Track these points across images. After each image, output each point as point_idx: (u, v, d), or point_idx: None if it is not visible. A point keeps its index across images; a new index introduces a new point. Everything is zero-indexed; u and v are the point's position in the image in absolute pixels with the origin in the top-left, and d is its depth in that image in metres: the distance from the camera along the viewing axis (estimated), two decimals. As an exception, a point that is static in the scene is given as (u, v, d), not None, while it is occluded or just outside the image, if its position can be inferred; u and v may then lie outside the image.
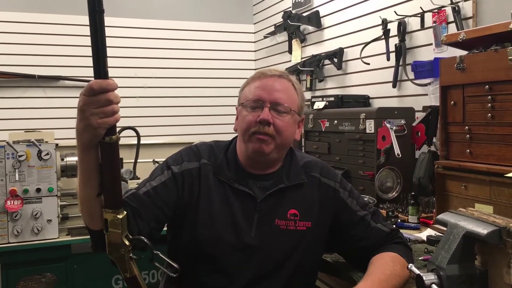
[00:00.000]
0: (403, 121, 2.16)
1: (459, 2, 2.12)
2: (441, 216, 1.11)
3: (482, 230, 0.97)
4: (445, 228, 1.10)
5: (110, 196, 1.05)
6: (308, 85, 3.37)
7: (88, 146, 1.01)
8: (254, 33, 4.32)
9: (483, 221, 1.00)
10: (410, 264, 1.08)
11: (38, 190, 2.50)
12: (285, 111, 1.33)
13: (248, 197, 1.33)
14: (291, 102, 1.35)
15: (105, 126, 0.98)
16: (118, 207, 1.07)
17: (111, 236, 1.08)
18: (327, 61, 3.18)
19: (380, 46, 2.64)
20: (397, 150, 2.05)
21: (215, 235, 1.30)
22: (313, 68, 3.29)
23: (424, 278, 1.01)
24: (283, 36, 3.77)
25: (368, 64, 2.74)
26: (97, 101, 0.96)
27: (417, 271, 1.03)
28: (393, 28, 2.54)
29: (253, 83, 1.36)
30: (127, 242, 1.08)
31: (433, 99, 2.16)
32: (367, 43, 2.72)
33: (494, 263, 1.01)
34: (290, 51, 3.63)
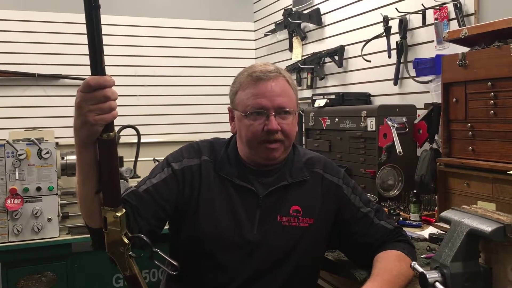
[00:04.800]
0: (404, 119, 2.15)
1: (461, -2, 2.11)
2: (445, 214, 1.10)
3: (487, 227, 0.96)
4: (448, 226, 1.09)
5: (108, 193, 1.04)
6: (309, 83, 3.36)
7: (86, 143, 1.00)
8: (255, 31, 4.30)
9: (487, 218, 0.99)
10: (413, 262, 1.07)
11: (38, 189, 2.50)
12: (289, 112, 1.31)
13: (250, 193, 1.32)
14: (292, 103, 1.33)
15: (102, 123, 0.97)
16: (117, 204, 1.05)
17: (110, 234, 1.06)
18: (328, 59, 3.17)
19: (381, 43, 2.63)
20: (398, 147, 2.04)
21: (216, 231, 1.29)
22: (313, 66, 3.28)
23: (427, 276, 1.00)
24: (283, 34, 3.75)
25: (369, 61, 2.73)
26: (94, 98, 0.95)
27: (420, 269, 1.02)
28: (394, 25, 2.52)
29: (249, 89, 1.31)
30: (126, 240, 1.07)
31: (434, 96, 2.15)
32: (368, 41, 2.70)
33: (498, 261, 1.00)
34: (290, 49, 3.62)
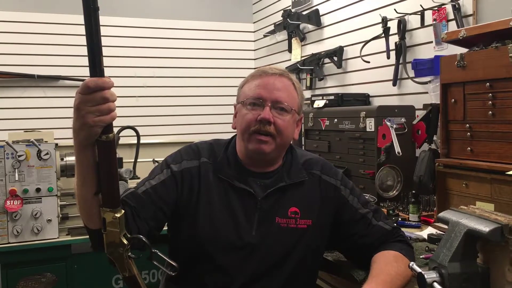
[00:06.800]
0: (403, 119, 2.16)
1: (459, -1, 2.12)
2: (443, 214, 1.10)
3: (484, 227, 0.96)
4: (446, 226, 1.09)
5: (107, 194, 1.04)
6: (308, 84, 3.36)
7: (85, 144, 1.00)
8: (254, 32, 4.31)
9: (485, 218, 1.00)
10: (412, 263, 1.07)
11: (38, 190, 2.49)
12: (286, 110, 1.32)
13: (248, 196, 1.32)
14: (292, 101, 1.34)
15: (101, 124, 0.97)
16: (116, 206, 1.06)
17: (109, 235, 1.07)
18: (327, 60, 3.17)
19: (380, 44, 2.63)
20: (397, 148, 2.04)
21: (215, 233, 1.29)
22: (313, 67, 3.28)
23: (425, 276, 1.00)
24: (282, 35, 3.76)
25: (368, 62, 2.73)
26: (93, 99, 0.95)
27: (418, 269, 1.02)
28: (393, 26, 2.53)
29: (253, 81, 1.35)
30: (125, 241, 1.07)
31: (433, 97, 2.16)
32: (367, 41, 2.71)
33: (496, 261, 1.00)
34: (290, 49, 3.62)
